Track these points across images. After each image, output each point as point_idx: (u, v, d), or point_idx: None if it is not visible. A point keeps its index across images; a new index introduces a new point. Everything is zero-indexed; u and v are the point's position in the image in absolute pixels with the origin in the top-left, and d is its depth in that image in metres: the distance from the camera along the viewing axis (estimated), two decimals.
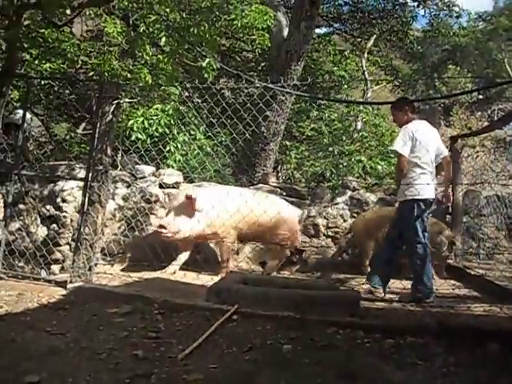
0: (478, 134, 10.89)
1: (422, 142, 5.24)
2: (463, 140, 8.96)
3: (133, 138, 8.07)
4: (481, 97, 26.67)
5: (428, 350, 3.50)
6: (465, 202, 8.00)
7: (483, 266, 7.33)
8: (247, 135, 6.15)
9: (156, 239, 6.10)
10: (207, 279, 5.33)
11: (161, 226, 5.88)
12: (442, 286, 6.12)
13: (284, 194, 7.75)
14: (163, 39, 5.54)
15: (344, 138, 12.22)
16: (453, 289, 5.95)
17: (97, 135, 5.08)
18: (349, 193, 7.83)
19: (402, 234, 5.29)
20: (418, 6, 16.10)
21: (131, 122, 8.26)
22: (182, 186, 7.30)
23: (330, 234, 7.61)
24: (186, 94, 8.39)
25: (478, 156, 20.28)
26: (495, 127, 7.45)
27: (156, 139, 8.11)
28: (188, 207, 6.00)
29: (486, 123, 19.36)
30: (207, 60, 5.62)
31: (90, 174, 5.05)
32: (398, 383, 2.90)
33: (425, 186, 5.19)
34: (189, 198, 5.93)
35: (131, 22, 6.95)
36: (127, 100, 5.86)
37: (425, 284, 5.15)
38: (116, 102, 5.12)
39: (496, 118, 20.49)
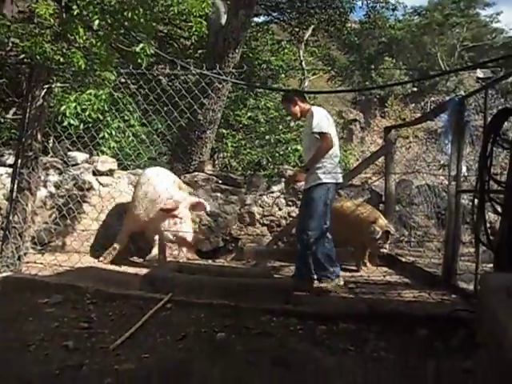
0: (410, 124, 11.21)
1: (332, 125, 5.26)
2: (397, 131, 9.17)
3: (65, 123, 7.84)
4: (415, 89, 27.40)
5: (359, 335, 3.58)
6: (397, 191, 8.21)
7: (414, 254, 7.57)
8: (183, 123, 6.08)
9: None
10: (141, 268, 5.26)
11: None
12: (374, 273, 6.29)
13: (220, 181, 7.74)
14: (96, 22, 5.38)
15: (281, 126, 12.29)
16: (384, 276, 6.12)
17: (26, 120, 4.93)
18: (283, 181, 7.89)
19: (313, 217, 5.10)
20: None
21: (63, 107, 8.02)
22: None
23: (265, 222, 7.67)
24: (123, 80, 8.22)
25: (410, 147, 20.85)
26: (427, 119, 7.65)
27: (89, 125, 7.92)
28: None
29: (419, 115, 19.88)
30: (141, 45, 5.50)
31: (20, 161, 4.90)
32: (330, 368, 2.96)
33: (337, 170, 5.23)
34: None
35: (64, 4, 6.72)
36: (59, 84, 5.69)
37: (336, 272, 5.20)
38: (47, 86, 4.97)
39: (428, 110, 21.09)
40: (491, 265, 4.29)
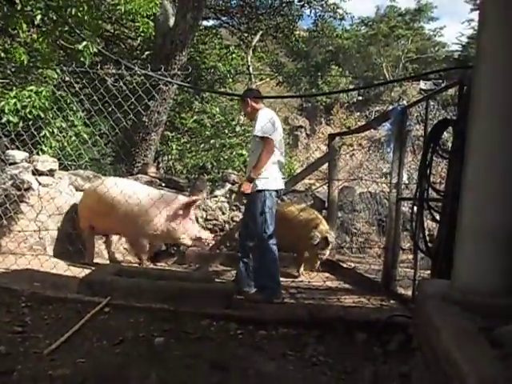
0: (354, 132, 11.35)
1: (278, 128, 5.15)
2: (341, 138, 9.30)
3: (3, 120, 7.61)
4: (360, 98, 27.95)
5: (299, 340, 3.60)
6: (340, 197, 8.34)
7: (355, 260, 7.69)
8: (127, 124, 5.99)
9: None
10: (79, 271, 5.15)
11: None
12: (315, 279, 6.35)
13: (163, 184, 7.67)
14: (38, 17, 5.26)
15: (226, 131, 12.30)
16: (324, 281, 6.18)
17: None
18: (228, 186, 7.89)
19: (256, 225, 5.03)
20: (303, 6, 16.47)
21: (2, 103, 7.78)
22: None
23: (208, 226, 7.64)
24: (67, 78, 8.05)
25: (353, 154, 21.20)
26: (370, 127, 7.78)
27: (30, 123, 7.71)
28: None
29: (363, 123, 20.30)
30: (84, 43, 5.41)
31: None
32: (269, 373, 2.96)
33: (277, 177, 5.12)
34: None
35: None
36: None
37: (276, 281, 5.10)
38: None
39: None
40: (429, 271, 4.41)
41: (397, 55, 28.61)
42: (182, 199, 6.32)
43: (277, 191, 5.10)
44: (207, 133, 12.21)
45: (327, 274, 6.65)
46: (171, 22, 10.08)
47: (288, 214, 6.62)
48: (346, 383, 2.91)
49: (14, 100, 7.87)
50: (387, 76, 26.55)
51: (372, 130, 9.07)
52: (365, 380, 2.96)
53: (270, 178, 5.00)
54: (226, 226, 7.66)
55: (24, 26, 6.10)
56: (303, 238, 6.30)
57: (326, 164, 7.95)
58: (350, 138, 21.85)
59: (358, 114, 27.31)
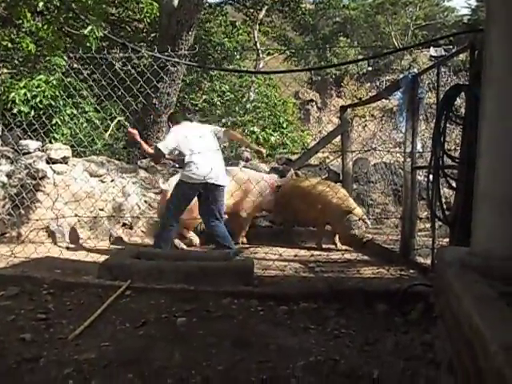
0: (365, 103, 11.29)
1: (191, 138, 5.66)
2: (353, 110, 9.22)
3: (15, 110, 7.63)
4: (370, 68, 27.68)
5: (320, 314, 3.62)
6: (354, 169, 8.28)
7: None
8: (137, 107, 5.99)
9: None
10: (98, 256, 5.18)
11: None
12: (334, 252, 6.35)
13: (177, 166, 7.65)
14: (41, 4, 5.22)
15: (237, 108, 12.26)
16: (343, 254, 6.18)
17: None
18: (242, 163, 7.86)
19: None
20: None
21: (12, 94, 7.80)
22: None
23: None
24: (75, 65, 8.05)
25: (366, 125, 21.06)
26: (381, 97, 7.69)
27: (41, 112, 7.73)
28: None
29: (374, 94, 20.10)
30: (89, 27, 5.37)
31: None
32: (291, 348, 2.98)
33: (193, 174, 5.55)
34: None
35: None
36: (6, 71, 5.52)
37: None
38: None
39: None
40: (447, 239, 4.39)
41: (405, 23, 28.24)
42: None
43: (194, 184, 5.59)
44: (218, 111, 12.18)
45: (345, 247, 6.64)
46: (176, 1, 9.99)
47: (312, 190, 6.68)
48: (369, 354, 2.92)
49: (24, 90, 7.88)
50: (396, 44, 26.24)
51: (384, 100, 8.97)
52: (387, 350, 2.97)
53: (188, 173, 5.57)
54: None
55: (28, 14, 6.07)
56: (335, 218, 6.55)
57: (339, 137, 7.89)
58: (361, 109, 21.73)
59: (369, 84, 27.08)
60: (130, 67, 5.70)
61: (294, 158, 8.65)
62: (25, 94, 7.83)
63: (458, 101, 4.33)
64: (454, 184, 4.27)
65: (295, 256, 5.82)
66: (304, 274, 5.02)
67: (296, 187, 6.91)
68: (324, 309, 3.72)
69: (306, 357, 2.84)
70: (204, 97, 12.40)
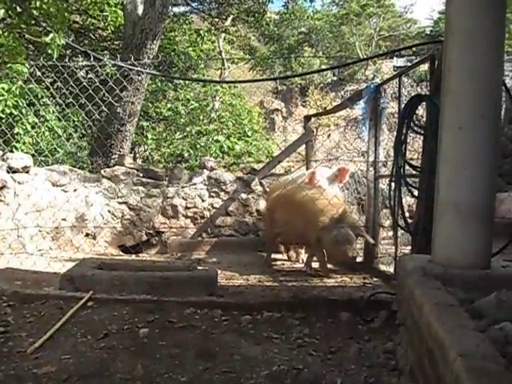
0: (329, 113, 11.40)
1: None
2: (318, 119, 9.29)
3: None
4: (334, 78, 27.99)
5: (284, 323, 3.64)
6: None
7: None
8: (100, 116, 5.93)
9: None
10: (59, 266, 5.10)
11: None
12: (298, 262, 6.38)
13: (141, 175, 7.61)
14: (2, 11, 5.14)
15: (201, 117, 12.26)
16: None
17: None
18: (206, 172, 7.85)
19: None
20: None
21: None
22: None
23: (188, 214, 7.60)
24: (39, 73, 7.94)
25: (330, 134, 21.26)
26: (345, 106, 7.78)
27: (2, 121, 7.58)
28: None
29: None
30: (51, 35, 5.31)
31: None
32: (255, 357, 2.98)
33: None
34: None
35: None
36: None
37: None
38: None
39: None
40: (410, 247, 4.45)
41: (369, 34, 28.70)
42: None
43: None
44: (182, 120, 12.16)
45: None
46: (140, 10, 9.93)
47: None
48: (332, 363, 2.94)
49: None
50: (360, 55, 26.62)
51: (348, 109, 9.07)
52: (350, 358, 2.99)
53: None
54: (206, 212, 7.63)
55: None
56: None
57: (304, 146, 7.95)
58: (326, 118, 21.93)
59: (334, 94, 27.38)
60: (92, 76, 5.65)
61: (258, 166, 8.68)
62: None
63: (421, 110, 4.40)
64: (415, 193, 4.35)
65: (260, 265, 5.83)
66: (268, 284, 5.02)
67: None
68: (288, 318, 3.74)
69: (269, 366, 2.85)
70: (168, 105, 12.36)
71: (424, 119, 4.42)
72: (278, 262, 6.38)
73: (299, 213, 5.49)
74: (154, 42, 9.55)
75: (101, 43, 13.86)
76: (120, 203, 7.41)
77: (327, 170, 6.35)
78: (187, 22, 16.22)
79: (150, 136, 11.58)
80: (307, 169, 7.71)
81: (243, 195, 7.72)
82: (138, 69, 6.34)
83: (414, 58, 23.04)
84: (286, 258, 6.67)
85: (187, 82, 13.36)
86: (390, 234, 6.06)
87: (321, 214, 5.21)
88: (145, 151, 12.25)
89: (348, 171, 6.24)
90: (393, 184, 4.41)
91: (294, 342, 3.26)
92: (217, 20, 17.12)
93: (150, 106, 12.40)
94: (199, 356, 2.98)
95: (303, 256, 6.33)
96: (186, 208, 7.60)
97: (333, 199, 5.33)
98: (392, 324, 3.19)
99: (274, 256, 6.69)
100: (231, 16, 17.15)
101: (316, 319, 3.72)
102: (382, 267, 5.47)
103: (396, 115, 5.26)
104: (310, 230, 5.33)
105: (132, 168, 7.67)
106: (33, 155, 7.16)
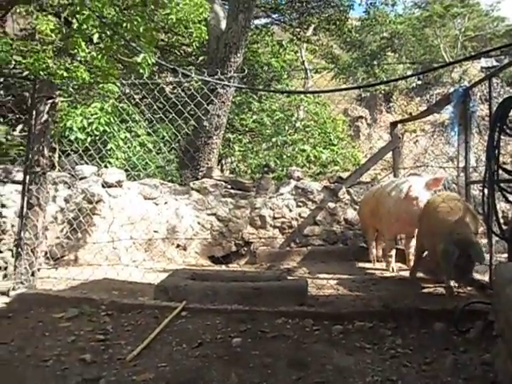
0: (416, 118, 11.15)
1: None
2: (403, 125, 9.12)
3: (72, 137, 7.88)
4: (419, 82, 27.31)
5: (376, 333, 3.57)
6: None
7: None
8: (189, 130, 6.08)
9: None
10: (153, 277, 5.26)
11: None
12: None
13: (229, 186, 7.74)
14: (95, 35, 5.40)
15: (286, 127, 12.31)
16: (398, 271, 6.08)
17: (32, 136, 4.93)
18: (293, 182, 7.87)
19: None
20: None
21: (70, 121, 8.06)
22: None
23: (276, 224, 7.65)
24: (127, 90, 8.28)
25: (417, 140, 20.78)
26: (432, 111, 7.59)
27: (96, 138, 7.95)
28: None
29: (424, 108, 19.86)
30: (142, 55, 5.52)
31: (28, 177, 4.90)
32: (347, 368, 2.94)
33: None
34: None
35: (64, 19, 6.79)
36: (63, 99, 5.71)
37: None
38: (51, 101, 4.97)
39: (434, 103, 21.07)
40: (505, 255, 4.26)
41: (454, 35, 27.80)
42: None
43: None
44: (268, 131, 12.24)
45: (399, 264, 6.52)
46: (223, 25, 10.16)
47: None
48: (427, 374, 2.85)
49: (81, 117, 8.13)
50: (445, 57, 25.83)
51: (435, 114, 8.84)
52: (446, 370, 2.90)
53: None
54: (294, 222, 7.64)
55: (82, 44, 6.28)
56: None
57: (390, 153, 7.82)
58: (412, 124, 21.47)
59: (419, 98, 26.72)
60: (180, 91, 5.81)
61: (345, 175, 8.60)
62: (81, 122, 8.08)
63: None
64: (510, 198, 4.16)
65: (350, 274, 5.76)
66: (358, 293, 4.95)
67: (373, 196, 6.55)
68: (380, 328, 3.66)
69: (363, 377, 2.81)
70: (254, 117, 12.50)
71: None
72: (369, 271, 6.28)
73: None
74: (238, 55, 9.72)
75: (186, 59, 14.25)
76: (209, 215, 7.56)
77: (419, 179, 6.17)
78: (269, 33, 16.37)
79: (236, 148, 11.76)
80: (394, 176, 7.57)
81: (331, 204, 7.69)
82: (225, 83, 6.46)
83: (502, 57, 22.18)
84: (375, 266, 6.57)
85: (271, 93, 13.48)
86: (484, 241, 5.82)
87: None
88: (231, 163, 12.46)
89: (442, 179, 5.95)
90: (485, 190, 4.24)
91: (387, 353, 3.19)
92: (298, 30, 17.18)
93: (236, 118, 12.59)
94: (291, 365, 2.97)
95: (393, 265, 6.21)
96: (274, 218, 7.65)
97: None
98: (489, 335, 3.07)
99: (363, 265, 6.61)
100: (312, 25, 17.15)
101: (408, 329, 3.62)
102: (477, 276, 5.26)
103: (486, 118, 5.06)
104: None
105: (220, 180, 7.81)
106: (126, 170, 7.45)
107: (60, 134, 7.84)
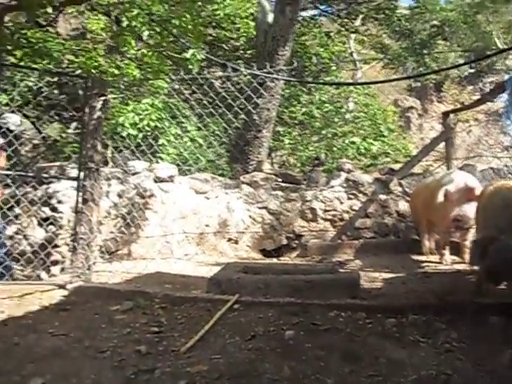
0: (469, 108, 10.90)
1: None
2: (456, 115, 8.92)
3: (124, 133, 8.03)
4: (471, 70, 26.61)
5: (430, 326, 3.49)
6: None
7: None
8: (239, 124, 6.11)
9: None
10: (206, 270, 5.31)
11: None
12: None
13: (279, 179, 7.73)
14: (145, 33, 5.48)
15: (336, 119, 12.21)
16: (452, 264, 5.97)
17: (86, 133, 5.05)
18: (344, 175, 7.81)
19: None
20: None
21: (122, 117, 8.21)
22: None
23: (327, 217, 7.61)
24: (177, 86, 8.39)
25: (470, 130, 20.28)
26: (486, 100, 7.42)
27: (147, 133, 8.07)
28: None
29: (477, 97, 19.35)
30: (191, 51, 5.56)
31: (82, 173, 5.01)
32: (401, 361, 2.90)
33: None
34: None
35: (113, 17, 6.89)
36: (113, 96, 5.81)
37: None
38: (103, 98, 5.07)
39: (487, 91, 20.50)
40: None
41: (507, 20, 26.91)
42: None
43: None
44: (317, 123, 12.16)
45: (453, 257, 6.37)
46: (270, 18, 10.13)
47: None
48: (484, 368, 2.78)
49: (132, 114, 8.27)
50: (499, 44, 25.05)
51: (488, 103, 8.61)
52: (503, 365, 2.82)
53: None
54: (345, 215, 7.58)
55: (132, 42, 6.38)
56: None
57: (443, 143, 7.66)
58: (465, 113, 20.95)
59: (471, 87, 26.03)
60: (229, 85, 5.84)
61: (396, 167, 8.48)
62: (133, 118, 8.22)
63: None
64: None
65: (402, 267, 5.68)
66: (411, 286, 4.88)
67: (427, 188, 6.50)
68: (434, 321, 3.58)
69: (417, 370, 2.76)
70: (303, 109, 12.43)
71: None
72: (422, 264, 6.18)
73: None
74: (286, 47, 9.68)
75: (234, 53, 14.30)
76: (260, 208, 7.58)
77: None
78: (317, 25, 16.23)
79: (286, 141, 11.73)
80: (448, 168, 7.41)
81: (382, 196, 7.59)
82: (274, 76, 6.46)
83: None
84: (429, 259, 6.46)
85: (320, 85, 13.39)
86: None
87: None
88: (281, 156, 12.44)
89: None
90: None
91: (442, 347, 3.12)
92: (346, 20, 16.97)
93: (285, 111, 12.56)
94: (344, 358, 2.94)
95: (447, 257, 6.09)
96: (325, 211, 7.61)
97: None
98: None
99: (416, 257, 6.50)
100: (360, 15, 16.92)
101: (463, 323, 3.52)
102: None
103: None
104: None
105: (270, 173, 7.82)
106: (177, 165, 7.53)
107: (112, 131, 7.99)
